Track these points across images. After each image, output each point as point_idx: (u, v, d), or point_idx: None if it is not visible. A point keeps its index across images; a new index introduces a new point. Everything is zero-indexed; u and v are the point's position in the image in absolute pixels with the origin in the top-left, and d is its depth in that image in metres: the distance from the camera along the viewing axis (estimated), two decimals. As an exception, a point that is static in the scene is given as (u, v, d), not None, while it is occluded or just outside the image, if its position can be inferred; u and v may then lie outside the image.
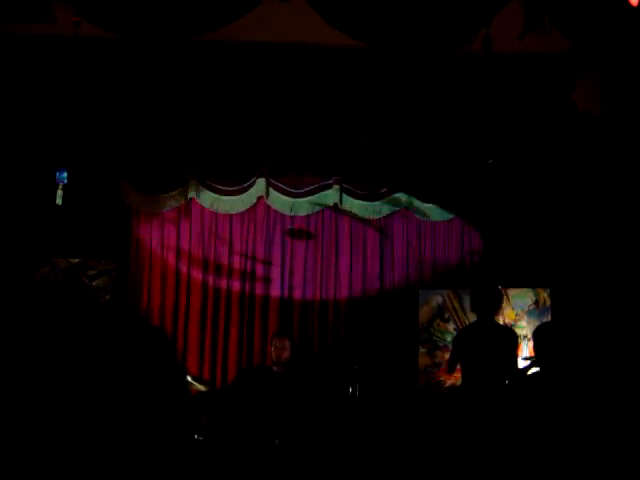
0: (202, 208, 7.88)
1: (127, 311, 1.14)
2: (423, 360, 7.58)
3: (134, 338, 1.09)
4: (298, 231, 7.98)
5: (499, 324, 6.68)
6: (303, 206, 7.86)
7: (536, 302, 7.57)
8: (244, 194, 7.77)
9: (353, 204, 7.87)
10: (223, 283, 7.92)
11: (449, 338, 7.49)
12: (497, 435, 4.50)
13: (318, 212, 7.95)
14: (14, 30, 7.08)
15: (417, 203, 7.90)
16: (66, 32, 6.00)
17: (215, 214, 7.90)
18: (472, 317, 7.30)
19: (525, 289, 7.58)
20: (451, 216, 7.95)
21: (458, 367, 6.48)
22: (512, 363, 6.32)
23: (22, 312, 1.04)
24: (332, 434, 6.60)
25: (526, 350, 7.31)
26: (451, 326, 7.58)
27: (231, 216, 7.93)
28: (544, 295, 7.56)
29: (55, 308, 1.06)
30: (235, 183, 7.75)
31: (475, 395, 6.17)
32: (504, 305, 7.55)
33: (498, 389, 6.08)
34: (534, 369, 6.20)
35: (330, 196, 7.83)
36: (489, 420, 5.66)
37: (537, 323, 7.33)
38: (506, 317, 7.57)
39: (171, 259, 7.91)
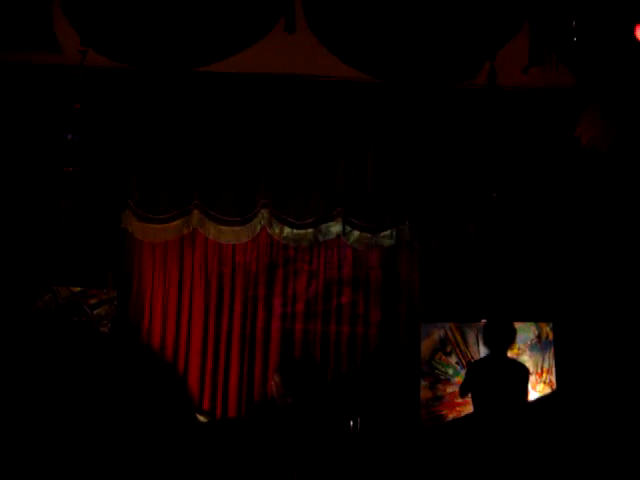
0: (205, 238, 7.87)
1: (136, 345, 1.12)
2: (425, 393, 7.52)
3: (145, 373, 1.06)
4: (300, 262, 7.97)
5: (511, 359, 6.69)
6: (306, 237, 7.84)
7: (538, 336, 7.51)
8: (247, 224, 7.75)
9: (356, 236, 7.85)
10: (225, 312, 7.91)
11: (451, 371, 7.46)
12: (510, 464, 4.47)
13: (321, 243, 7.94)
14: (19, 59, 7.12)
15: (420, 235, 7.87)
16: (72, 61, 6.04)
17: (218, 244, 7.89)
18: (474, 350, 7.31)
19: (527, 323, 7.51)
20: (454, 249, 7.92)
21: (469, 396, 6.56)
22: (523, 398, 6.37)
23: (28, 346, 1.01)
24: (333, 467, 6.53)
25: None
26: (453, 359, 7.53)
27: (234, 246, 7.92)
28: (547, 329, 7.50)
29: (64, 343, 1.03)
30: (238, 213, 7.72)
31: (487, 427, 6.20)
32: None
33: (509, 422, 6.13)
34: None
35: (333, 227, 7.81)
36: (502, 451, 5.67)
37: (539, 357, 7.32)
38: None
39: (173, 288, 7.91)
